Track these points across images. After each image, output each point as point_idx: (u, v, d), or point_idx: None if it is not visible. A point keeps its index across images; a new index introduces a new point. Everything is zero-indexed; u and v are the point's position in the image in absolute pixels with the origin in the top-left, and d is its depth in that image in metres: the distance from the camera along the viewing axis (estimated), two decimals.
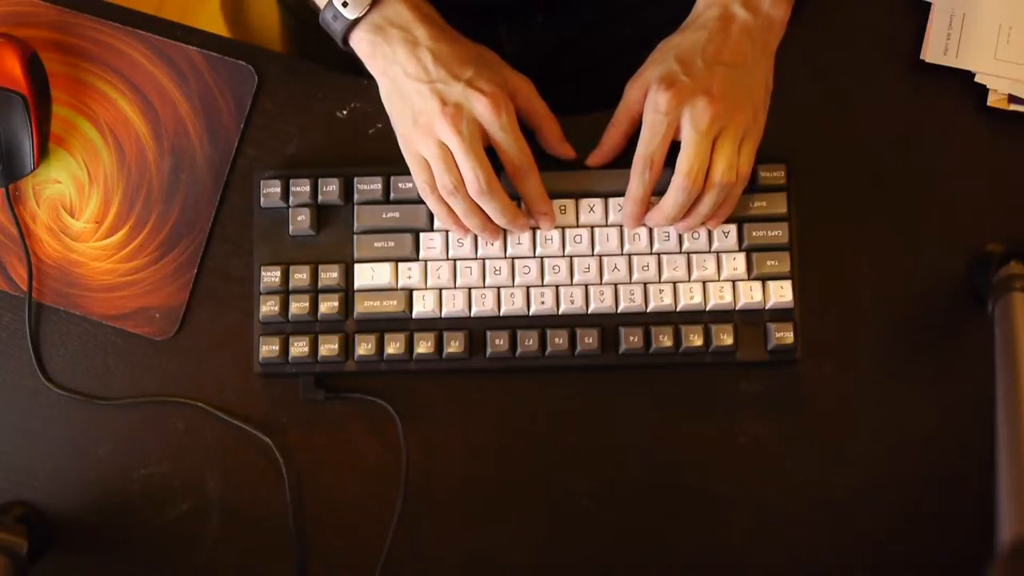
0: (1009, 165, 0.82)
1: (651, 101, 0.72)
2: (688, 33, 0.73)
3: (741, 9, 0.72)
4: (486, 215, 0.75)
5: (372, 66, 0.74)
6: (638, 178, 0.74)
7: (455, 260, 0.79)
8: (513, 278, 0.79)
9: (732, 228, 0.79)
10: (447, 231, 0.79)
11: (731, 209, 0.77)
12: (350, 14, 0.71)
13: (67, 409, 0.80)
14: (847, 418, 0.80)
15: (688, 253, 0.79)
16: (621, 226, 0.79)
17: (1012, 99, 0.82)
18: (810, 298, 0.80)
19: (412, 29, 0.72)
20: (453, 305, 0.78)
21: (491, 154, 0.73)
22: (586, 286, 0.79)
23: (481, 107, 0.71)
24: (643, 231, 0.79)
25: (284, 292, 0.79)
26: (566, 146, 0.78)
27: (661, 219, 0.76)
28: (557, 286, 0.79)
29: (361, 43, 0.73)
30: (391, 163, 0.78)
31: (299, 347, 0.78)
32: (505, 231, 0.78)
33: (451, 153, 0.72)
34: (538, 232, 0.78)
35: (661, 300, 0.78)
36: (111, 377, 0.81)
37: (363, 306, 0.79)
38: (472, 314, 0.79)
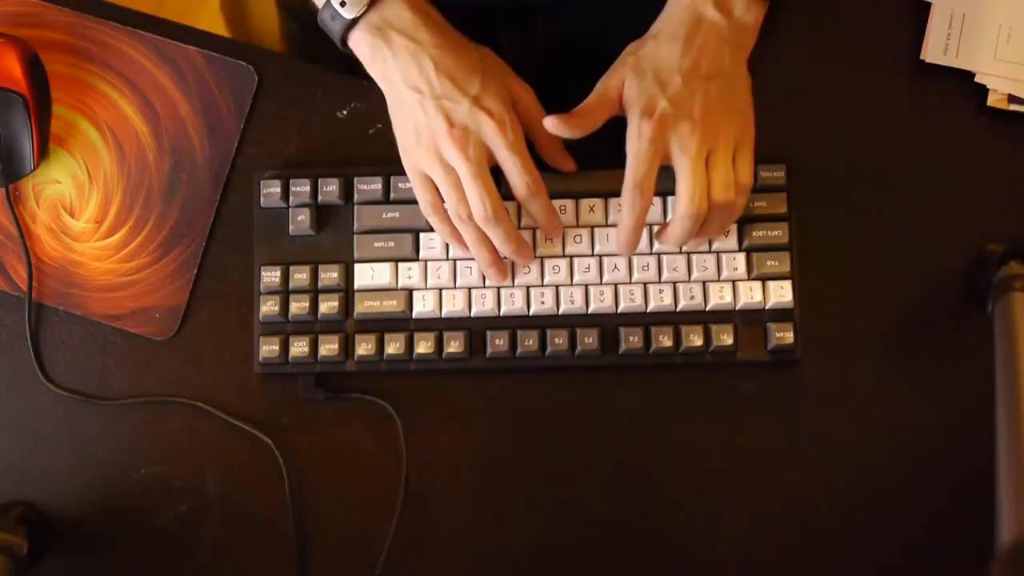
0: (1009, 165, 0.82)
1: (634, 130, 0.71)
2: (662, 43, 0.72)
3: (713, 11, 0.71)
4: (494, 248, 0.75)
5: (372, 69, 0.73)
6: (629, 207, 0.72)
7: (455, 260, 0.79)
8: (513, 278, 0.79)
9: (732, 228, 0.79)
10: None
11: (734, 220, 0.77)
12: (348, 14, 0.71)
13: (67, 409, 0.80)
14: (847, 418, 0.80)
15: (688, 253, 0.79)
16: None
17: (1012, 99, 0.82)
18: (810, 298, 0.80)
19: (413, 32, 0.71)
20: (453, 305, 0.78)
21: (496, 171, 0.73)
22: (586, 286, 0.79)
23: (489, 129, 0.70)
24: (643, 231, 0.79)
25: (284, 292, 0.79)
26: (565, 156, 0.77)
27: (672, 243, 0.75)
28: (557, 286, 0.79)
29: (360, 45, 0.72)
30: (391, 163, 0.78)
31: (299, 347, 0.78)
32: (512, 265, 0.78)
33: (459, 178, 0.72)
34: (538, 232, 0.78)
35: (661, 300, 0.78)
36: (111, 377, 0.81)
37: (363, 306, 0.79)
38: (472, 314, 0.79)
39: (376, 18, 0.71)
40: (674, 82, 0.71)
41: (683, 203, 0.72)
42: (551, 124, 0.73)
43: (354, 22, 0.71)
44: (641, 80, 0.72)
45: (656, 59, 0.72)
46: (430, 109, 0.71)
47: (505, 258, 0.77)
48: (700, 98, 0.71)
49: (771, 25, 0.74)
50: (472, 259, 0.78)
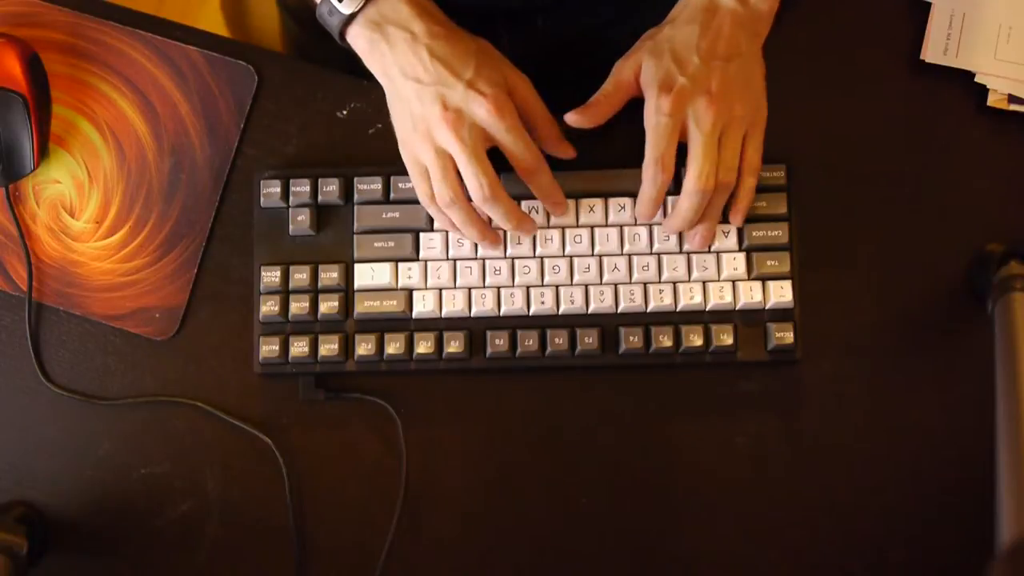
0: (1009, 165, 0.82)
1: (652, 105, 0.72)
2: (679, 26, 0.73)
3: None
4: (484, 224, 0.75)
5: (370, 64, 0.74)
6: (651, 181, 0.74)
7: (455, 260, 0.79)
8: (513, 278, 0.79)
9: (732, 228, 0.79)
10: (447, 231, 0.79)
11: (749, 203, 0.77)
12: (345, 9, 0.71)
13: (67, 409, 0.80)
14: (847, 418, 0.80)
15: (688, 253, 0.79)
16: (621, 226, 0.79)
17: (1012, 99, 0.82)
18: (810, 298, 0.80)
19: (410, 25, 0.71)
20: (453, 305, 0.78)
21: (494, 154, 0.73)
22: (586, 286, 0.79)
23: (483, 111, 0.71)
24: (643, 231, 0.79)
25: (284, 292, 0.79)
26: (564, 144, 0.77)
27: (680, 223, 0.76)
28: (557, 286, 0.79)
29: (358, 39, 0.73)
30: (391, 163, 0.78)
31: (299, 347, 0.78)
32: (505, 236, 0.78)
33: (449, 161, 0.72)
34: (538, 232, 0.78)
35: (661, 300, 0.78)
36: (111, 377, 0.81)
37: (363, 306, 0.79)
38: (472, 314, 0.79)
39: (373, 12, 0.71)
40: (692, 60, 0.72)
41: (691, 179, 0.72)
42: (571, 119, 0.75)
43: (352, 17, 0.72)
44: (659, 60, 0.73)
45: (673, 40, 0.73)
46: (425, 97, 0.71)
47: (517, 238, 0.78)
48: (718, 75, 0.72)
49: (776, 20, 0.75)
50: (472, 259, 0.78)
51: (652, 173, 0.73)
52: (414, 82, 0.71)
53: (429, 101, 0.71)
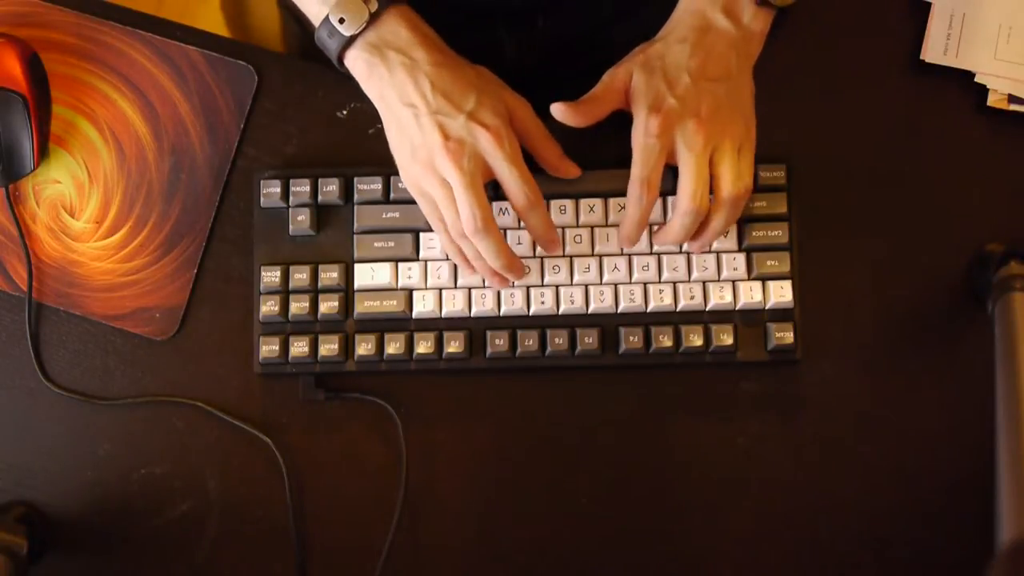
0: (1009, 165, 0.82)
1: (641, 126, 0.72)
2: (671, 44, 0.73)
3: (722, 17, 0.72)
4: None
5: (368, 88, 0.73)
6: (636, 202, 0.73)
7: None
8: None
9: (732, 228, 0.79)
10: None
11: (734, 221, 0.76)
12: (347, 31, 0.71)
13: (67, 409, 0.80)
14: (847, 418, 0.80)
15: (688, 253, 0.79)
16: None
17: (1012, 99, 0.82)
18: (810, 298, 0.80)
19: (410, 51, 0.71)
20: (453, 305, 0.78)
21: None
22: (586, 286, 0.79)
23: (484, 141, 0.70)
24: (646, 226, 0.78)
25: (284, 292, 0.79)
26: (567, 163, 0.76)
27: (669, 240, 0.75)
28: (557, 286, 0.79)
29: (357, 62, 0.72)
30: (391, 163, 0.78)
31: (299, 347, 0.78)
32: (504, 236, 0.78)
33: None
34: None
35: (661, 300, 0.78)
36: (111, 377, 0.81)
37: (363, 306, 0.79)
38: (472, 314, 0.79)
39: (374, 36, 0.71)
40: (682, 81, 0.71)
41: (684, 199, 0.72)
42: (557, 110, 0.73)
43: (352, 40, 0.71)
44: (649, 76, 0.72)
45: (665, 58, 0.72)
46: (426, 124, 0.71)
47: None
48: (707, 98, 0.71)
49: (773, 28, 0.75)
50: None
51: (637, 193, 0.72)
52: (413, 108, 0.71)
53: (429, 129, 0.70)
